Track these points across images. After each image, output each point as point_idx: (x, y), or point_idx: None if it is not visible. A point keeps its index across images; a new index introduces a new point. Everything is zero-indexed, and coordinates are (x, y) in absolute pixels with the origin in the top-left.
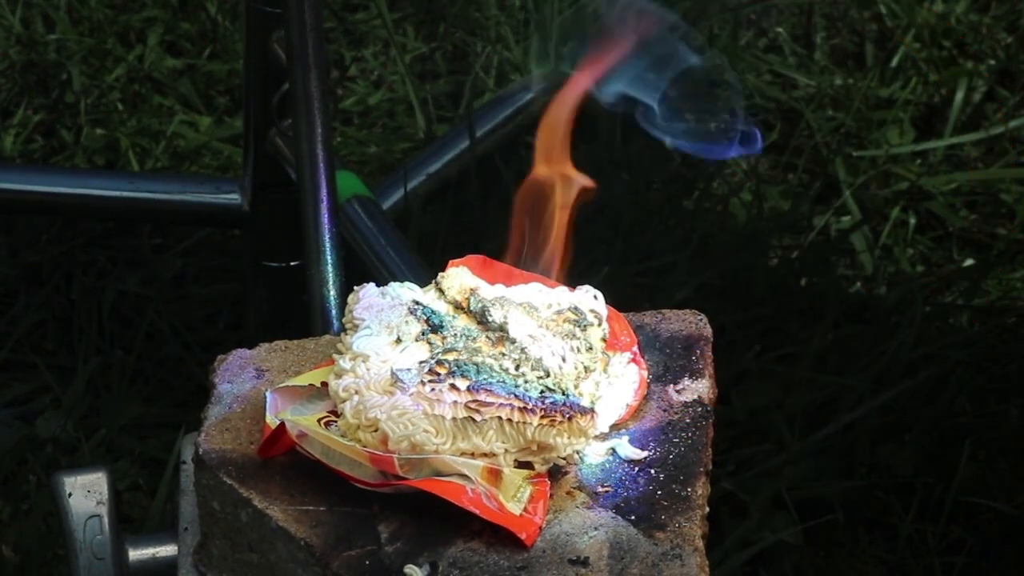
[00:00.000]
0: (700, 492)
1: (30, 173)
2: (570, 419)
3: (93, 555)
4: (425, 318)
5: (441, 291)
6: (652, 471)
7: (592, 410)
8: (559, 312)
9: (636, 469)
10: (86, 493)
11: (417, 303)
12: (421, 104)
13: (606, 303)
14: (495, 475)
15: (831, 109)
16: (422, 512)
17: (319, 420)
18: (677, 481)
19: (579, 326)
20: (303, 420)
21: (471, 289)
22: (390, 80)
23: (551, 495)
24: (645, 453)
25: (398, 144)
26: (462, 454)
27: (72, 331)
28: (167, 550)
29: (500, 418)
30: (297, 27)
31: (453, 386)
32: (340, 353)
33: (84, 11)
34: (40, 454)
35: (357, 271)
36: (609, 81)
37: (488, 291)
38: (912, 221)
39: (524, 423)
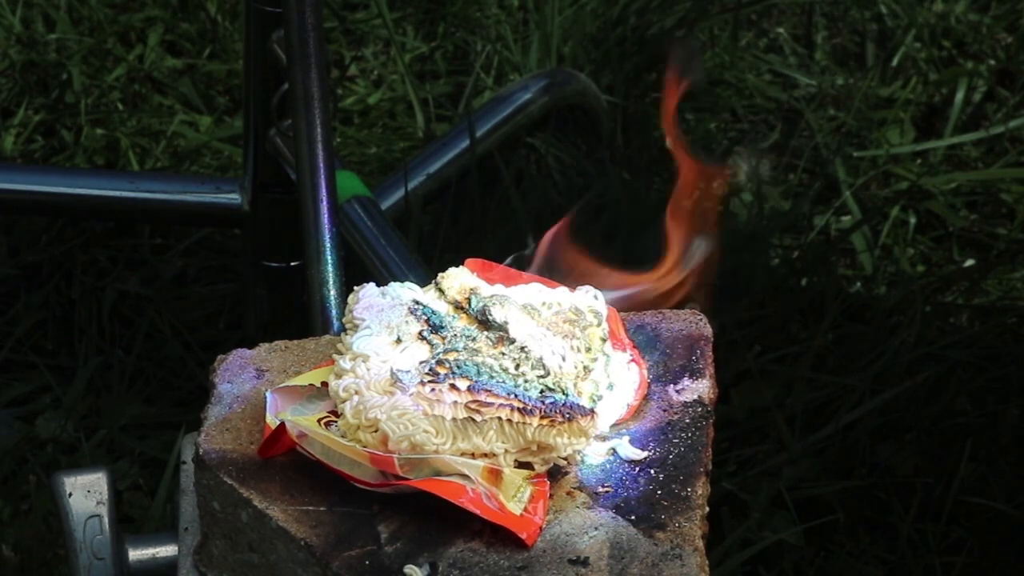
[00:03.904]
0: (700, 492)
1: (30, 173)
2: (570, 419)
3: (93, 555)
4: (425, 318)
5: (441, 291)
6: (652, 471)
7: (592, 410)
8: (559, 312)
9: (636, 469)
10: (86, 493)
11: (417, 303)
12: (421, 104)
13: (606, 303)
14: (495, 475)
15: (831, 109)
16: (422, 512)
17: (319, 420)
18: (677, 481)
19: (579, 326)
20: (303, 420)
21: (471, 289)
22: (390, 80)
23: (551, 495)
24: (645, 453)
25: (398, 144)
26: (462, 454)
27: (72, 331)
28: (167, 550)
29: (500, 418)
30: (297, 27)
31: (453, 386)
32: (340, 353)
33: (84, 11)
34: (40, 454)
35: (357, 271)
36: None
37: (488, 291)
38: (912, 221)
39: (524, 423)
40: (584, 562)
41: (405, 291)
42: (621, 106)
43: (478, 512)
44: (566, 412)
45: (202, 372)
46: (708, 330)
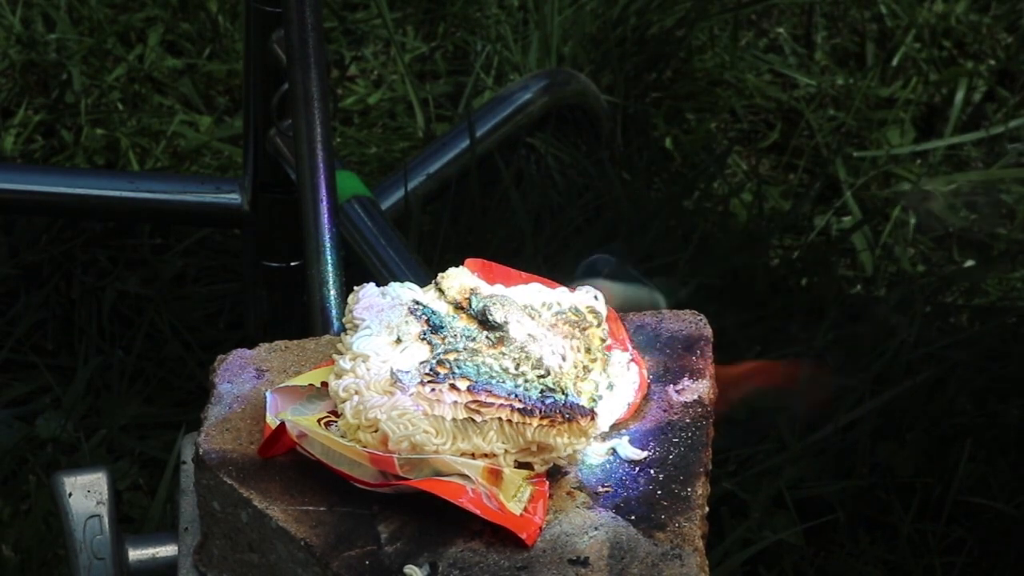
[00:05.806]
0: (700, 492)
1: (30, 173)
2: (570, 420)
3: (93, 555)
4: (425, 318)
5: (441, 291)
6: (652, 471)
7: (592, 411)
8: (559, 312)
9: (636, 469)
10: (86, 493)
11: (417, 303)
12: (421, 104)
13: (606, 303)
14: (495, 475)
15: (831, 109)
16: (422, 512)
17: (319, 420)
18: (677, 481)
19: (579, 326)
20: (303, 420)
21: (471, 289)
22: (390, 80)
23: (551, 495)
24: (645, 453)
25: (398, 144)
26: (462, 454)
27: (72, 331)
28: (167, 550)
29: (500, 419)
30: (297, 27)
31: (453, 386)
32: (340, 353)
33: (84, 11)
34: (40, 454)
35: (357, 271)
36: None
37: (488, 291)
38: (912, 221)
39: (524, 424)
40: (584, 562)
41: (405, 291)
42: (621, 106)
43: (478, 512)
44: (566, 412)
45: (202, 372)
46: (708, 330)
